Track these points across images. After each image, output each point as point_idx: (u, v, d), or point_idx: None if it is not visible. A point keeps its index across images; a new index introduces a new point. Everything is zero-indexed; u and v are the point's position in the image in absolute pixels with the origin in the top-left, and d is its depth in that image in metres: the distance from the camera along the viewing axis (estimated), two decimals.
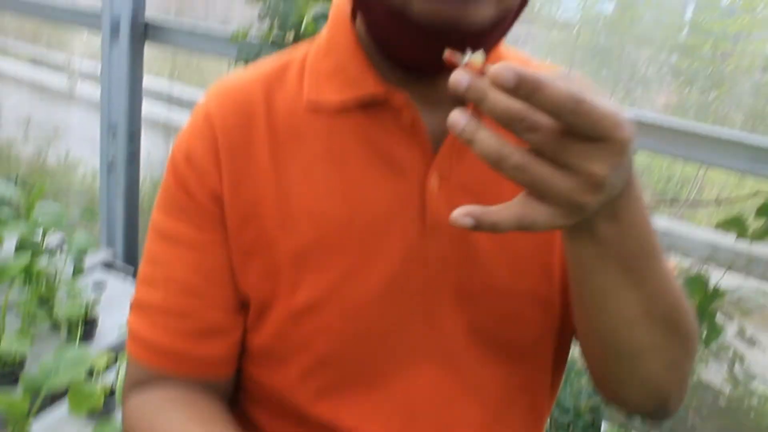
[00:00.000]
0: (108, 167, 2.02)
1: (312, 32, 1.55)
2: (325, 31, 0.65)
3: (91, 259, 1.87)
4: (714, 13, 5.09)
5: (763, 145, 1.37)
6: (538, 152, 0.41)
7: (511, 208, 0.44)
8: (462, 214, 0.43)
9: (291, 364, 0.62)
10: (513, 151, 0.41)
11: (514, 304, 0.62)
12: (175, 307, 0.62)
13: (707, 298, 1.27)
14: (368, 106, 0.60)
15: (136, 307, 0.64)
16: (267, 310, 0.61)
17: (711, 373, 2.08)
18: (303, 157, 0.60)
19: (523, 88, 0.39)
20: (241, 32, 1.63)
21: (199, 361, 0.63)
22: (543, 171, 0.41)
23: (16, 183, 2.52)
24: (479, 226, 0.43)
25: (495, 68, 0.39)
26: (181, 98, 3.62)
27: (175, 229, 0.62)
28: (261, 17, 1.52)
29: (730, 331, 2.15)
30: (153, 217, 0.66)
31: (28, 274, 1.61)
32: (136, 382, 0.64)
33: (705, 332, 1.27)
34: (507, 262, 0.62)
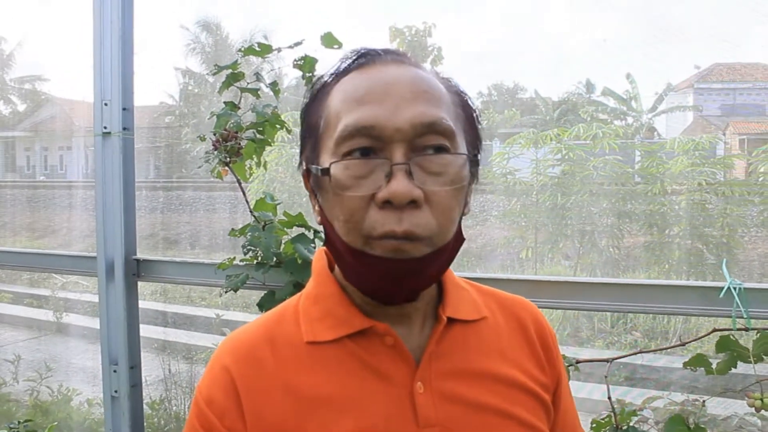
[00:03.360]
0: (111, 400, 2.09)
1: (291, 254, 1.72)
2: (311, 284, 0.81)
3: None
4: (656, 159, 5.50)
5: (710, 285, 1.51)
6: None
7: None
8: None
9: None
10: None
11: None
12: None
13: None
14: (357, 337, 0.76)
15: None
16: None
17: None
18: (310, 382, 0.74)
19: None
20: (228, 261, 1.80)
21: None
22: None
23: (20, 430, 2.55)
24: None
25: None
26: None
27: None
28: (245, 250, 1.70)
29: None
30: None
31: None
32: None
33: None
34: None
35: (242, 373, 0.76)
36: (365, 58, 0.76)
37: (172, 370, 4.09)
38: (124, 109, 2.00)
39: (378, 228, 0.68)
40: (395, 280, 0.72)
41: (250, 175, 1.89)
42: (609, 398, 1.41)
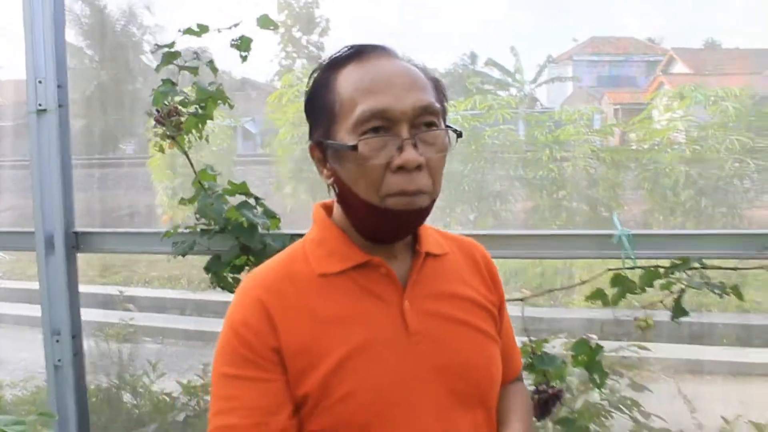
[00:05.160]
0: (54, 369, 2.16)
1: (235, 219, 1.86)
2: (315, 231, 0.99)
3: None
4: (544, 128, 5.91)
5: (604, 233, 1.79)
6: None
7: None
8: None
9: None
10: None
11: (472, 373, 0.98)
12: (253, 423, 0.89)
13: (592, 353, 1.64)
14: (358, 268, 0.95)
15: (217, 429, 0.91)
16: (315, 408, 0.91)
17: (617, 426, 2.43)
18: (324, 306, 0.93)
19: None
20: (174, 229, 1.92)
21: None
22: None
23: None
24: None
25: None
26: None
27: (242, 373, 0.91)
28: (198, 216, 1.82)
29: (623, 385, 2.55)
30: (219, 370, 0.93)
31: None
32: None
33: (597, 379, 1.64)
34: (464, 348, 0.96)
35: (272, 302, 0.93)
36: (359, 53, 0.95)
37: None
38: (59, 86, 2.05)
39: (394, 187, 0.89)
40: (404, 225, 0.95)
41: (190, 147, 2.01)
42: (525, 330, 1.67)
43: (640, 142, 6.06)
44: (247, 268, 1.95)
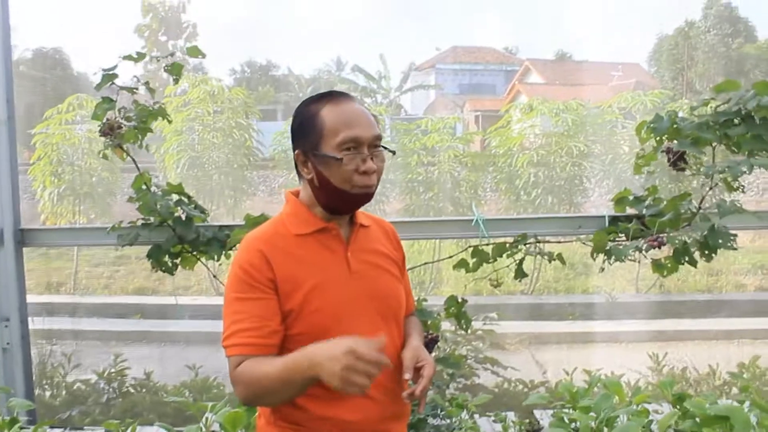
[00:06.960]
0: (3, 352, 2.45)
1: (172, 213, 2.26)
2: (288, 208, 1.47)
3: None
4: (412, 136, 6.53)
5: (466, 219, 2.37)
6: None
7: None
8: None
9: (308, 334, 1.37)
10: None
11: (389, 300, 1.49)
12: (256, 326, 1.35)
13: (459, 305, 2.20)
14: (319, 231, 1.42)
15: (231, 334, 1.36)
16: (297, 318, 1.37)
17: (483, 377, 3.05)
18: (300, 253, 1.40)
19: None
20: (118, 224, 2.29)
21: (270, 346, 1.36)
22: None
23: None
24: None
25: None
26: None
27: (248, 296, 1.36)
28: (147, 211, 2.21)
29: (486, 346, 3.17)
30: (231, 296, 1.38)
31: None
32: (238, 364, 1.34)
33: (464, 324, 2.20)
34: (384, 284, 1.48)
35: (268, 250, 1.39)
36: (332, 97, 1.45)
37: None
38: (7, 101, 2.36)
39: (359, 183, 1.40)
40: (359, 204, 1.45)
41: (127, 155, 2.38)
42: None
43: (497, 147, 6.89)
44: (182, 254, 2.36)
